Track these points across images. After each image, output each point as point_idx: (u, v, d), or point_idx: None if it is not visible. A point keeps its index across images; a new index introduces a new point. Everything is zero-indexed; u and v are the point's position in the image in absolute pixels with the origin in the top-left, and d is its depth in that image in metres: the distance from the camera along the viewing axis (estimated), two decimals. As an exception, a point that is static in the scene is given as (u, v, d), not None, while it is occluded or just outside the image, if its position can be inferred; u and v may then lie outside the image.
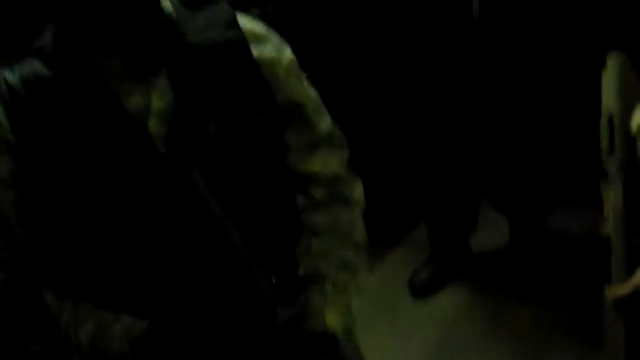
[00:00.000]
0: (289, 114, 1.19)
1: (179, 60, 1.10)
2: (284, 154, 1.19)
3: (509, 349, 2.25)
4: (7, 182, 1.06)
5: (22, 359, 1.13)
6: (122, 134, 1.06)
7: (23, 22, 1.37)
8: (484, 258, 2.66)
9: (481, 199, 2.61)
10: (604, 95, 1.24)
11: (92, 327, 1.09)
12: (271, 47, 1.17)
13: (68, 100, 1.05)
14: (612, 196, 1.20)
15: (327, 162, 1.23)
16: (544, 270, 2.53)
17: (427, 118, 2.38)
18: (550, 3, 2.08)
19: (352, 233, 1.24)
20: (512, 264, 2.60)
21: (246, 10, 1.84)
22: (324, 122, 1.24)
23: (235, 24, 1.15)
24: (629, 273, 1.15)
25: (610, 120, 1.21)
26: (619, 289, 1.16)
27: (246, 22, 1.18)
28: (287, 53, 1.20)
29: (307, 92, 1.22)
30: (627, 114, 1.19)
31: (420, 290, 2.54)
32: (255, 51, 1.15)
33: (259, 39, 1.17)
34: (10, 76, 1.07)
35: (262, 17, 1.81)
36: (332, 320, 1.17)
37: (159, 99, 1.08)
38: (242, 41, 1.14)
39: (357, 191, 1.27)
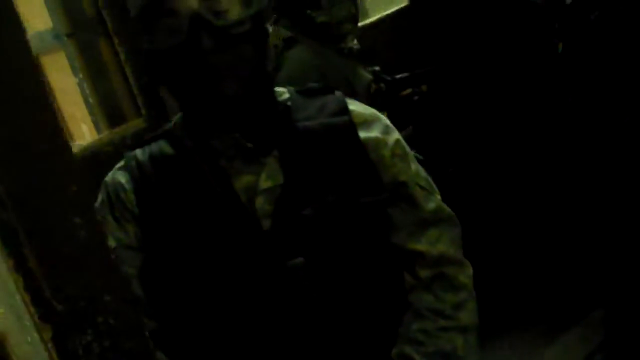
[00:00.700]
0: (396, 193, 1.23)
1: (289, 143, 1.18)
2: (387, 232, 1.23)
3: None
4: (135, 248, 1.17)
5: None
6: (229, 209, 1.14)
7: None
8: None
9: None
10: None
11: None
12: (378, 130, 1.24)
13: (186, 176, 1.16)
14: None
15: (435, 242, 1.25)
16: None
17: None
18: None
19: (457, 316, 1.24)
20: None
21: (402, 90, 1.98)
22: (432, 202, 1.26)
23: (345, 111, 1.23)
24: None
25: None
26: None
27: (356, 108, 1.25)
28: (394, 135, 1.26)
29: (414, 171, 1.26)
30: None
31: None
32: (363, 134, 1.21)
33: (367, 123, 1.23)
34: (140, 154, 1.21)
35: (416, 95, 1.95)
36: None
37: (267, 179, 1.16)
38: (349, 125, 1.21)
39: (465, 274, 1.28)
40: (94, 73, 2.37)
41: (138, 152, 1.21)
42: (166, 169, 1.17)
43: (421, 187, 1.25)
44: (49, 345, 0.75)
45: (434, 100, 2.14)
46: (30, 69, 0.77)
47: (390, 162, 1.22)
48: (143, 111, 2.09)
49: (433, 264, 1.24)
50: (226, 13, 1.09)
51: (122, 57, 2.02)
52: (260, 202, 1.15)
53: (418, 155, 1.33)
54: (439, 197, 1.29)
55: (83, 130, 3.37)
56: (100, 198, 1.19)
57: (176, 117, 1.24)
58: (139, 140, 1.26)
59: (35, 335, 0.75)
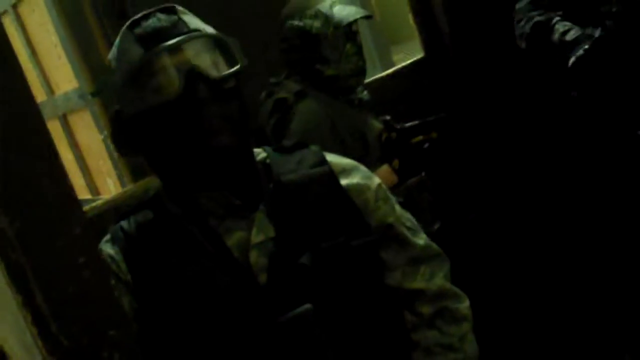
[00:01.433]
0: (385, 235, 1.27)
1: (274, 197, 1.20)
2: (381, 274, 1.26)
3: None
4: (131, 318, 1.14)
5: None
6: (224, 268, 1.15)
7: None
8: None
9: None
10: None
11: None
12: (358, 177, 1.28)
13: (176, 240, 1.17)
14: None
15: (430, 278, 1.29)
16: None
17: None
18: None
19: (464, 348, 1.28)
20: None
21: (413, 138, 2.11)
22: (421, 239, 1.31)
23: (323, 162, 1.27)
24: None
25: None
26: None
27: (334, 159, 1.30)
28: (375, 180, 1.30)
29: (399, 213, 1.30)
30: None
31: None
32: (344, 181, 1.26)
33: (347, 172, 1.28)
34: (126, 225, 1.20)
35: (427, 142, 2.01)
36: None
37: (258, 233, 1.18)
38: (330, 174, 1.25)
39: (464, 305, 1.31)
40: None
41: (123, 223, 1.21)
42: (155, 236, 1.17)
43: (407, 228, 1.30)
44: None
45: (445, 147, 2.19)
46: (39, 125, 0.84)
47: (374, 206, 1.26)
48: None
49: (433, 299, 1.27)
50: (216, 68, 1.14)
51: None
52: (254, 256, 1.16)
53: (399, 198, 1.37)
54: (424, 235, 1.33)
55: (108, 184, 3.47)
56: None
57: (155, 187, 1.27)
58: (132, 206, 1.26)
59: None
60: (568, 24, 2.30)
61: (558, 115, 2.64)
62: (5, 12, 3.69)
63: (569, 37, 2.26)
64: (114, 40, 1.21)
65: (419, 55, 3.11)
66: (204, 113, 1.11)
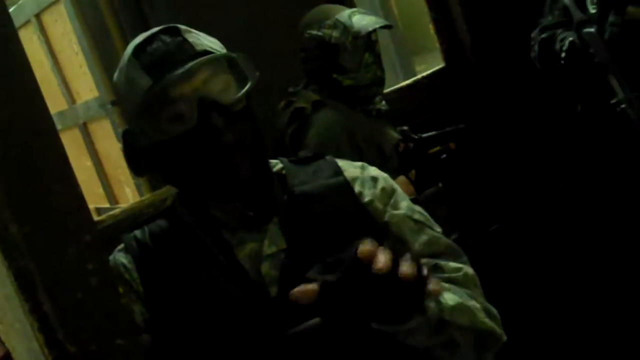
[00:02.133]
0: (389, 235, 1.22)
1: (287, 208, 1.19)
2: None
3: None
4: (142, 329, 1.13)
5: None
6: (235, 280, 1.13)
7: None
8: None
9: None
10: None
11: None
12: (368, 185, 1.24)
13: (189, 250, 1.16)
14: None
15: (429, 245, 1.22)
16: None
17: None
18: None
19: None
20: None
21: (430, 148, 2.11)
22: (423, 236, 1.22)
23: (339, 172, 1.25)
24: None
25: None
26: None
27: (347, 167, 1.27)
28: (379, 184, 1.25)
29: (404, 209, 1.24)
30: None
31: None
32: (357, 190, 1.23)
33: (360, 181, 1.24)
34: (140, 234, 1.20)
35: (445, 152, 2.02)
36: None
37: (270, 244, 1.16)
38: (345, 184, 1.23)
39: (467, 267, 1.23)
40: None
41: (137, 232, 1.20)
42: (168, 245, 1.17)
43: (414, 221, 1.23)
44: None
45: (462, 158, 2.17)
46: (50, 133, 0.84)
47: (382, 212, 1.22)
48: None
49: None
50: (227, 91, 1.13)
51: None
52: (265, 268, 1.15)
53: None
54: (438, 229, 1.26)
55: (126, 193, 3.48)
56: None
57: (171, 197, 1.26)
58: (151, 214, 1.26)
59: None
60: (569, 32, 2.29)
61: (564, 129, 2.63)
62: (28, 21, 3.74)
63: (565, 39, 2.27)
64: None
65: (440, 65, 3.11)
66: (220, 141, 1.10)
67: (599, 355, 2.56)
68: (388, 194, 1.25)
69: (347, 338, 1.10)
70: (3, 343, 0.99)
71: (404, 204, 1.26)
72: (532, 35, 2.56)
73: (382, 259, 0.85)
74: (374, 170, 1.29)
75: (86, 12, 2.99)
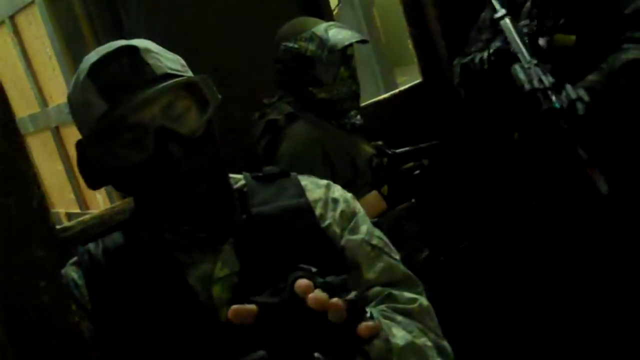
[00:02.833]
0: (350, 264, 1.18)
1: (243, 229, 1.15)
2: None
3: None
4: (90, 346, 1.08)
5: None
6: (183, 303, 1.10)
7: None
8: None
9: None
10: None
11: None
12: (330, 207, 1.21)
13: (139, 269, 1.12)
14: None
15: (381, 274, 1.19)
16: None
17: None
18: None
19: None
20: None
21: (403, 164, 2.10)
22: (380, 263, 1.19)
23: (301, 193, 1.21)
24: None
25: None
26: None
27: (311, 187, 1.24)
28: (339, 207, 1.22)
29: (363, 233, 1.21)
30: None
31: None
32: (318, 213, 1.20)
33: (322, 203, 1.21)
34: (94, 248, 1.16)
35: (418, 168, 2.04)
36: None
37: (223, 267, 1.13)
38: (306, 206, 1.19)
39: (423, 299, 1.19)
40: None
41: (91, 245, 1.17)
42: (120, 262, 1.13)
43: (372, 246, 1.20)
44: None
45: (436, 174, 2.17)
46: (11, 142, 0.82)
47: (341, 236, 1.19)
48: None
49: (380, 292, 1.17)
50: (187, 119, 1.09)
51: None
52: (217, 291, 1.12)
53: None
54: (395, 256, 1.23)
55: (97, 199, 3.44)
56: None
57: (131, 209, 1.23)
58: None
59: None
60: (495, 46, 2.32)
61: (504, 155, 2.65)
62: (2, 22, 3.69)
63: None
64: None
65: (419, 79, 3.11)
66: (178, 171, 1.07)
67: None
68: (347, 218, 1.22)
69: None
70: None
71: (364, 229, 1.22)
72: (454, 63, 2.61)
73: (314, 300, 0.84)
74: (337, 191, 1.26)
75: (60, 15, 2.96)
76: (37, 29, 3.24)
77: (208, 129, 1.13)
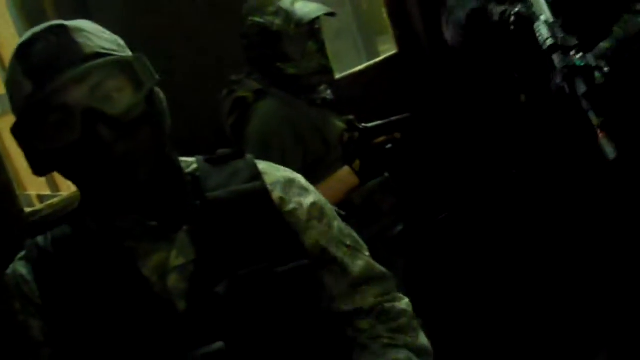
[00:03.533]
0: (320, 258, 1.18)
1: (198, 216, 1.12)
2: (316, 299, 1.16)
3: None
4: (41, 342, 1.07)
5: None
6: (138, 294, 1.07)
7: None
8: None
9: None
10: None
11: None
12: (292, 192, 1.19)
13: (90, 261, 1.09)
14: None
15: (367, 297, 1.21)
16: None
17: None
18: None
19: (396, 337, 1.20)
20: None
21: (375, 138, 2.06)
22: (360, 260, 1.22)
23: (257, 176, 1.17)
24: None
25: None
26: None
27: (269, 170, 1.21)
28: (310, 196, 1.21)
29: (337, 231, 1.21)
30: None
31: None
32: (276, 197, 1.17)
33: (281, 186, 1.19)
34: (42, 241, 1.13)
35: (390, 142, 2.02)
36: None
37: (178, 255, 1.10)
38: (263, 191, 1.16)
39: (402, 302, 1.24)
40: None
41: (39, 239, 1.13)
42: (70, 255, 1.10)
43: (347, 246, 1.21)
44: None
45: (408, 148, 2.14)
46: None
47: (306, 225, 1.18)
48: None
49: (370, 313, 1.21)
50: (118, 100, 1.05)
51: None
52: (173, 280, 1.09)
53: (340, 211, 1.29)
54: (367, 253, 1.25)
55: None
56: None
57: (78, 199, 1.18)
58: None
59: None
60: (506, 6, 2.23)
61: (508, 119, 2.60)
62: (-37, 0, 3.60)
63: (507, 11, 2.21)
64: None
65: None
66: (108, 154, 1.02)
67: (553, 336, 2.57)
68: (319, 209, 1.21)
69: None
70: None
71: (336, 225, 1.22)
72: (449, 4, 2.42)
73: None
74: (303, 180, 1.24)
75: (23, -7, 2.88)
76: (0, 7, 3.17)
77: (147, 110, 1.08)
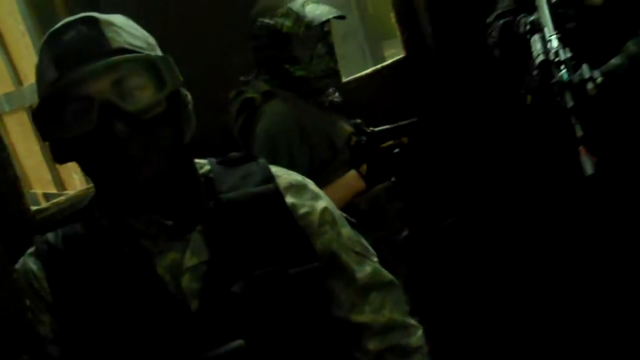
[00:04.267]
0: (331, 263, 1.18)
1: (212, 217, 1.12)
2: (326, 304, 1.17)
3: None
4: (50, 339, 1.07)
5: None
6: (152, 293, 1.07)
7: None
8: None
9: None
10: None
11: None
12: (305, 197, 1.19)
13: (104, 259, 1.08)
14: None
15: (380, 309, 1.20)
16: None
17: None
18: None
19: None
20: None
21: (383, 142, 2.06)
22: (368, 266, 1.22)
23: (270, 179, 1.18)
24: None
25: None
26: None
27: (281, 174, 1.21)
28: (322, 202, 1.21)
29: (346, 237, 1.21)
30: None
31: None
32: (289, 201, 1.17)
33: (294, 190, 1.19)
34: (53, 238, 1.12)
35: (397, 146, 2.00)
36: None
37: (192, 256, 1.10)
38: (276, 193, 1.16)
39: (415, 337, 1.23)
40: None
41: (50, 235, 1.13)
42: (82, 252, 1.09)
43: (356, 253, 1.21)
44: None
45: (416, 152, 2.13)
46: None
47: (318, 230, 1.18)
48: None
49: (381, 333, 1.20)
50: (138, 97, 1.05)
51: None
52: (186, 280, 1.09)
53: (350, 218, 1.29)
54: (375, 259, 1.25)
55: (74, 179, 3.40)
56: None
57: (91, 196, 1.18)
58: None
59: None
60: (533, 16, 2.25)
61: (515, 120, 2.59)
62: (-27, -2, 3.60)
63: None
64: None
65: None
66: (122, 150, 1.03)
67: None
68: (331, 217, 1.21)
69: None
70: None
71: (345, 232, 1.22)
72: (488, 21, 2.52)
73: None
74: (315, 186, 1.25)
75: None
76: (9, 5, 3.16)
77: (168, 111, 1.08)
